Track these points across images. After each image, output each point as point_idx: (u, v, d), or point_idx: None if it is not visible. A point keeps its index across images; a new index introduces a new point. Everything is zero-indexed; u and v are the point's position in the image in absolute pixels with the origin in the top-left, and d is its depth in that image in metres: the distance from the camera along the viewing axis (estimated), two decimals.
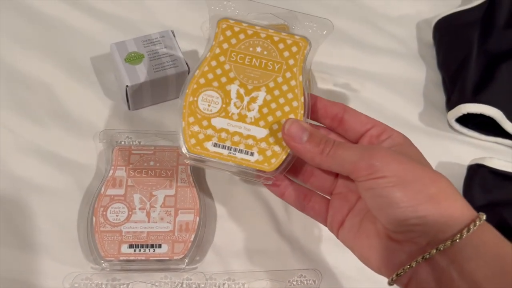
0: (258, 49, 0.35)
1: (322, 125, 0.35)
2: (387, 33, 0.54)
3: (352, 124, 0.34)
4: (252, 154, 0.33)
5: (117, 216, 0.38)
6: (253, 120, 0.34)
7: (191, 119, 0.33)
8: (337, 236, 0.33)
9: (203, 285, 0.39)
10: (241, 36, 0.35)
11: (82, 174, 0.41)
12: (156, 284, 0.38)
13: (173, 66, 0.43)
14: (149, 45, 0.43)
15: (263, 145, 0.33)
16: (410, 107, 0.50)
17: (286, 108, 0.34)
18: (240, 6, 0.36)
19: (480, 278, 0.26)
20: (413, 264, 0.28)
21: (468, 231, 0.27)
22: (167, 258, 0.38)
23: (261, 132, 0.33)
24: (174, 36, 0.44)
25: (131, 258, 0.37)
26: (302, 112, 0.34)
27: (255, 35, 0.35)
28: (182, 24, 0.50)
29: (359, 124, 0.33)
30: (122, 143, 0.43)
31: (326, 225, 0.34)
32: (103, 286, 0.38)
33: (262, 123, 0.34)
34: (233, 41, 0.35)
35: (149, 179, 0.40)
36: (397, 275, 0.29)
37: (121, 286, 0.38)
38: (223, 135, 0.33)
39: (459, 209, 0.28)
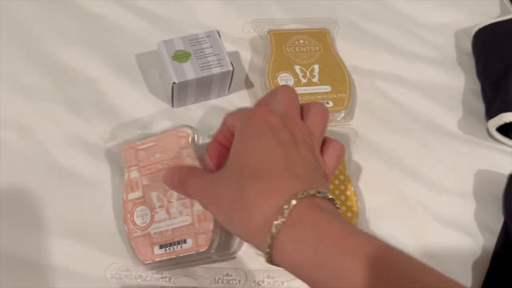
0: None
1: None
2: (425, 40, 0.54)
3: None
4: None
5: (143, 219, 0.38)
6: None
7: None
8: None
9: (242, 282, 0.39)
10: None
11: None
12: (197, 279, 0.39)
13: (218, 66, 0.43)
14: (195, 44, 0.44)
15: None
16: (448, 114, 0.50)
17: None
18: None
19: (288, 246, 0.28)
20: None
21: (272, 240, 0.27)
22: (194, 252, 0.37)
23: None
24: (220, 36, 0.45)
25: (164, 257, 0.37)
26: None
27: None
28: (224, 26, 0.51)
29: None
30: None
31: None
32: (144, 277, 0.38)
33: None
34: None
35: (160, 174, 0.39)
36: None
37: (163, 279, 0.39)
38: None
39: (255, 220, 0.28)
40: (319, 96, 0.46)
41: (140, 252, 0.38)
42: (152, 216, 0.38)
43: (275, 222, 0.27)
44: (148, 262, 0.38)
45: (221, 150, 0.38)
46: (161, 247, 0.38)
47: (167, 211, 0.38)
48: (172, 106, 0.46)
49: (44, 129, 0.43)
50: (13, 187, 0.40)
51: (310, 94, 0.46)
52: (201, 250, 0.37)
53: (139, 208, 0.39)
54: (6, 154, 0.41)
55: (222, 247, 0.39)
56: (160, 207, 0.38)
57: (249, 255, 0.40)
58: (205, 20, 0.52)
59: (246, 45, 0.51)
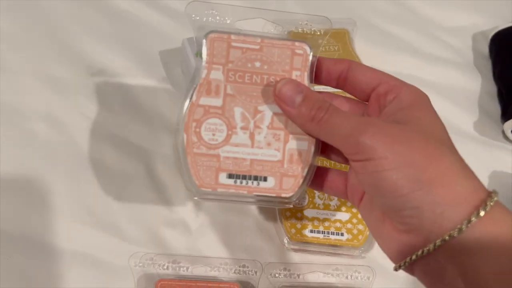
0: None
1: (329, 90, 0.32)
2: (443, 42, 0.55)
3: (358, 82, 0.29)
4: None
5: (213, 135, 0.30)
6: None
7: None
8: (360, 212, 0.30)
9: (259, 273, 0.40)
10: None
11: (150, 161, 0.44)
12: (215, 269, 0.40)
13: None
14: None
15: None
16: (465, 116, 0.50)
17: None
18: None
19: (486, 276, 0.23)
20: (409, 260, 0.25)
21: (468, 223, 0.23)
22: (274, 195, 0.30)
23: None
24: None
25: (232, 190, 0.30)
26: None
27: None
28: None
29: (364, 81, 0.29)
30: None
31: (348, 200, 0.31)
32: (165, 267, 0.40)
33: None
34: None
35: (255, 88, 0.30)
36: (399, 266, 0.26)
37: (181, 268, 0.40)
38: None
39: (461, 195, 0.24)
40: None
41: (197, 174, 0.30)
42: (228, 136, 0.30)
43: (492, 195, 0.24)
44: (206, 189, 0.30)
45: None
46: (230, 176, 0.30)
47: (251, 137, 0.30)
48: None
49: (72, 121, 0.45)
50: (40, 177, 0.42)
51: (328, 93, 0.47)
52: (283, 195, 0.30)
53: (212, 120, 0.30)
54: (36, 145, 0.43)
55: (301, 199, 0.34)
56: (242, 128, 0.30)
57: (265, 248, 0.42)
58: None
59: None
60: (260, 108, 0.30)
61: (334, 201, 0.42)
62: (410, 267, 0.26)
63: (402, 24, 0.55)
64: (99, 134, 0.45)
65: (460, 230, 0.23)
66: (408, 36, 0.55)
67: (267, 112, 0.30)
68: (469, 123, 0.50)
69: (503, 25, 0.53)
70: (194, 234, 0.41)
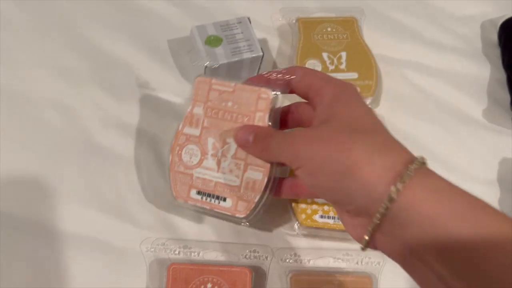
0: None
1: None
2: (452, 31, 0.55)
3: (302, 93, 0.34)
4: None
5: (190, 158, 0.37)
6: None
7: None
8: None
9: (270, 258, 0.40)
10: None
11: (160, 148, 0.44)
12: (225, 254, 0.40)
13: (249, 51, 0.45)
14: (227, 30, 0.46)
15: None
16: (474, 104, 0.50)
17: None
18: None
19: (418, 247, 0.24)
20: (366, 238, 0.27)
21: (390, 200, 0.24)
22: (229, 214, 0.37)
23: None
24: (250, 22, 0.47)
25: (198, 204, 0.37)
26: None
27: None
28: (253, 13, 0.52)
29: (303, 92, 0.34)
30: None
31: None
32: (176, 252, 0.40)
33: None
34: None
35: (225, 123, 0.37)
36: (363, 245, 0.28)
37: (192, 254, 0.40)
38: None
39: (377, 174, 0.25)
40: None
41: (175, 188, 0.37)
42: (201, 160, 0.37)
43: (410, 167, 0.25)
44: (180, 200, 0.38)
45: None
46: (199, 193, 0.37)
47: (218, 163, 0.37)
48: None
49: (83, 109, 0.45)
50: (52, 164, 0.42)
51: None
52: (237, 215, 0.37)
53: (190, 146, 0.37)
54: (48, 133, 0.43)
55: (255, 220, 0.38)
56: (212, 155, 0.37)
57: (275, 234, 0.42)
58: (235, 7, 0.53)
59: (274, 32, 0.52)
60: (228, 140, 0.37)
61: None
62: (374, 246, 0.28)
63: (412, 13, 0.55)
64: (109, 121, 0.45)
65: (386, 208, 0.24)
66: (417, 24, 0.54)
67: (232, 144, 0.36)
68: (479, 111, 0.50)
69: (511, 13, 0.53)
70: (205, 220, 0.42)
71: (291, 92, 0.35)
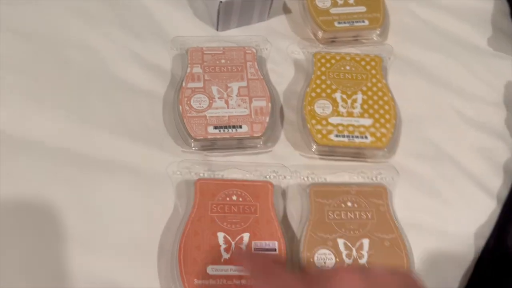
0: (347, 67, 0.46)
1: None
2: None
3: None
4: (366, 137, 0.43)
5: (200, 104, 0.43)
6: (359, 114, 0.44)
7: (313, 121, 0.43)
8: None
9: (288, 177, 0.43)
10: (333, 61, 0.47)
11: (175, 81, 0.46)
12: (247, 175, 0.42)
13: None
14: None
15: (372, 130, 0.43)
16: (479, 33, 0.52)
17: (380, 102, 0.45)
18: None
19: None
20: None
21: None
22: (248, 136, 0.42)
23: (367, 122, 0.43)
24: None
25: (217, 136, 0.42)
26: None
27: (342, 59, 0.47)
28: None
29: None
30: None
31: None
32: (201, 174, 0.42)
33: (366, 115, 0.44)
34: (328, 65, 0.47)
35: (223, 74, 0.45)
36: None
37: (217, 176, 0.42)
38: (340, 128, 0.43)
39: None
40: (355, 16, 0.49)
41: (192, 129, 0.42)
42: (210, 104, 0.43)
43: None
44: (198, 137, 0.42)
45: None
46: (215, 128, 0.42)
47: (226, 102, 0.43)
48: (217, 29, 0.49)
49: (104, 48, 0.47)
50: (77, 97, 0.44)
51: (346, 14, 0.49)
52: (255, 135, 0.42)
53: (197, 95, 0.43)
54: (71, 71, 0.46)
55: (270, 140, 0.43)
56: (219, 98, 0.44)
57: (292, 157, 0.44)
58: None
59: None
60: (229, 85, 0.45)
61: (357, 109, 0.44)
62: None
63: None
64: (129, 58, 0.47)
65: None
66: None
67: (234, 86, 0.44)
68: (484, 40, 0.52)
69: None
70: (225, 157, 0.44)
71: None
